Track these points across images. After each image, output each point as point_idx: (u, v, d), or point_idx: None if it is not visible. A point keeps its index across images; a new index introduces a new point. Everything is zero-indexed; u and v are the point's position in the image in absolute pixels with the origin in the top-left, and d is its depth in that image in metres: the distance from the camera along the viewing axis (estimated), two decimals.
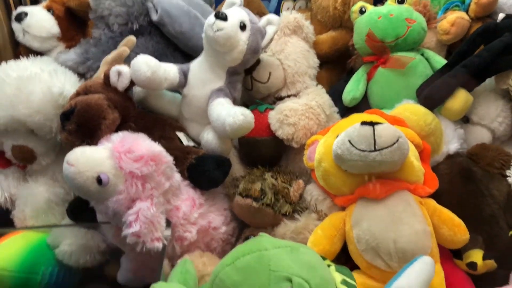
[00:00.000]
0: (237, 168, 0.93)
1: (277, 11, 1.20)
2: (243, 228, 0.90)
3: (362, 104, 1.00)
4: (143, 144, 0.75)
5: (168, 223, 0.78)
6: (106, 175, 0.71)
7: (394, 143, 0.70)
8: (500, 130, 0.94)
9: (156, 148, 0.76)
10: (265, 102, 1.00)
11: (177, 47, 1.04)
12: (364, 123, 0.72)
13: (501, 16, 0.94)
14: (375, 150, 0.70)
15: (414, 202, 0.74)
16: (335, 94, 1.03)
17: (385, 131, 0.71)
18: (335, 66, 1.12)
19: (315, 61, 1.03)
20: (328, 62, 1.10)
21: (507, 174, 0.79)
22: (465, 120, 0.97)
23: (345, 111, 1.00)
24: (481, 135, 0.95)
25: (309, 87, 1.00)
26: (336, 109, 1.01)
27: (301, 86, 0.99)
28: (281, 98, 1.00)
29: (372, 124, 0.72)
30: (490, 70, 0.92)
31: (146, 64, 0.84)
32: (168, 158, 0.77)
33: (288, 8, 1.21)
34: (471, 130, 0.96)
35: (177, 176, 0.80)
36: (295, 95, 0.99)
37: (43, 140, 0.92)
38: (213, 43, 0.85)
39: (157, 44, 1.03)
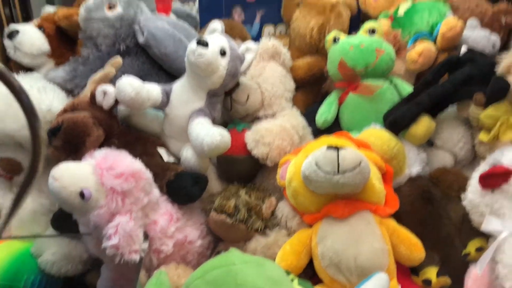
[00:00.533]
0: (214, 185, 0.99)
1: (259, 35, 1.26)
2: (218, 242, 0.95)
3: (334, 126, 1.07)
4: (124, 161, 0.80)
5: (146, 236, 0.83)
6: (88, 190, 0.76)
7: (356, 167, 0.76)
8: (461, 155, 1.01)
9: (136, 165, 0.81)
10: (243, 121, 1.06)
11: (162, 67, 1.09)
12: (330, 147, 0.78)
13: (463, 49, 1.02)
14: (338, 173, 0.76)
15: (374, 222, 0.80)
16: (310, 116, 1.09)
17: (348, 155, 0.77)
18: (311, 89, 1.18)
19: (291, 85, 1.09)
20: (304, 85, 1.16)
21: (462, 197, 0.85)
22: (429, 144, 1.04)
23: (318, 132, 1.07)
24: (444, 159, 1.02)
25: (285, 109, 1.06)
26: (310, 130, 1.07)
27: (277, 108, 1.05)
28: (258, 119, 1.06)
29: (337, 148, 0.78)
30: (452, 99, 1.00)
31: (130, 85, 0.90)
32: (148, 175, 0.83)
33: (269, 33, 1.27)
34: (435, 153, 1.03)
35: (156, 192, 0.86)
36: (271, 116, 1.05)
37: None
38: (194, 67, 0.91)
39: (142, 64, 1.08)
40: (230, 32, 1.14)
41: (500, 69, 0.93)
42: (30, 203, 0.96)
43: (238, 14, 1.25)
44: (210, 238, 0.94)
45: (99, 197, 0.77)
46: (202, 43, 0.89)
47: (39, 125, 0.50)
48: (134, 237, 0.77)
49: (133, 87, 0.90)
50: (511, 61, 0.92)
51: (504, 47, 1.12)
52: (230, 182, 0.97)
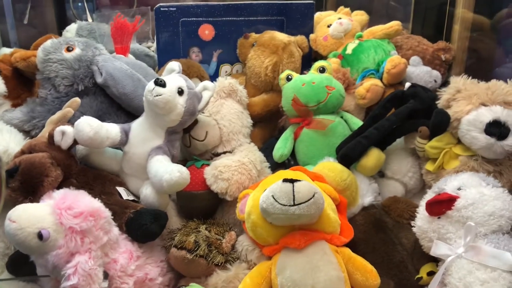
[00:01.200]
0: (174, 221, 1.00)
1: (216, 74, 1.31)
2: (179, 279, 0.95)
3: (291, 160, 1.11)
4: (83, 201, 0.81)
5: (106, 275, 0.83)
6: (47, 230, 0.76)
7: (311, 198, 0.80)
8: (411, 184, 1.07)
9: (95, 204, 0.82)
10: (202, 158, 1.08)
11: (121, 106, 1.10)
12: (285, 180, 0.82)
13: (407, 85, 1.09)
14: (294, 204, 0.79)
15: (330, 251, 0.83)
16: (267, 150, 1.13)
17: (303, 187, 0.80)
18: (268, 124, 1.23)
19: (249, 121, 1.13)
20: (261, 121, 1.20)
21: (412, 224, 0.89)
22: (381, 174, 1.09)
23: (275, 166, 1.10)
24: (394, 188, 1.08)
25: (243, 144, 1.09)
26: (267, 164, 1.10)
27: (235, 143, 1.09)
28: (217, 155, 1.08)
29: (292, 181, 0.81)
30: (400, 132, 1.06)
31: (89, 125, 0.91)
32: (107, 214, 0.83)
33: (226, 72, 1.31)
34: (386, 183, 1.08)
35: (115, 230, 0.86)
36: (230, 152, 1.08)
37: None
38: (152, 106, 0.94)
39: (101, 104, 1.09)
40: (188, 71, 1.18)
41: (441, 102, 1.01)
42: None
43: (195, 54, 1.29)
44: (171, 275, 0.95)
45: (57, 237, 0.77)
46: (160, 83, 0.92)
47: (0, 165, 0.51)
48: (94, 276, 0.77)
49: (92, 126, 0.91)
50: (450, 95, 0.99)
51: (445, 82, 1.21)
52: (190, 218, 0.98)
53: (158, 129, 0.98)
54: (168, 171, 0.88)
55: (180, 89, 0.95)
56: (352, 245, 0.92)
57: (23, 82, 1.16)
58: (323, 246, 0.84)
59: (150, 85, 0.93)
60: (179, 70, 1.02)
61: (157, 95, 0.92)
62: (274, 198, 0.81)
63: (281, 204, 0.80)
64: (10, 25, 1.65)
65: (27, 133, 1.06)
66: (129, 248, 0.89)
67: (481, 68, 1.30)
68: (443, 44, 1.27)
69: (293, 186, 0.80)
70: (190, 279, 0.92)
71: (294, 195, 0.79)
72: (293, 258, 0.83)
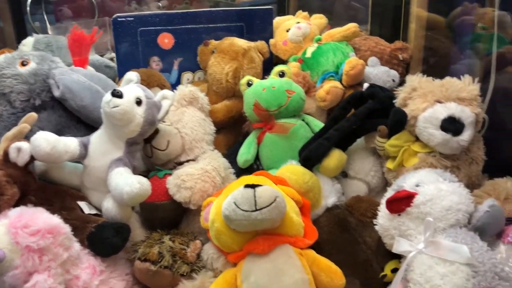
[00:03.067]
0: (138, 233, 0.98)
1: (178, 82, 1.30)
2: None
3: (254, 165, 1.11)
4: (40, 218, 0.79)
5: None
6: (2, 251, 0.74)
7: (272, 203, 0.80)
8: (373, 182, 1.09)
9: (53, 220, 0.80)
10: (166, 167, 1.07)
11: (80, 119, 1.09)
12: (246, 186, 0.81)
13: (365, 85, 1.10)
14: (256, 210, 0.79)
15: (294, 254, 0.83)
16: (232, 156, 1.13)
17: (264, 192, 0.80)
18: (231, 130, 1.23)
19: (211, 128, 1.13)
20: (224, 127, 1.20)
21: (375, 222, 0.90)
22: (344, 175, 1.10)
23: (240, 172, 1.10)
24: (358, 188, 1.09)
25: (206, 152, 1.08)
26: (232, 170, 1.10)
27: (198, 151, 1.08)
28: (181, 163, 1.08)
29: (253, 186, 0.81)
30: (359, 132, 1.07)
31: (46, 140, 0.89)
32: (66, 230, 0.82)
33: (188, 79, 1.31)
34: (350, 183, 1.09)
35: (76, 246, 0.84)
36: (193, 160, 1.07)
37: None
38: (110, 118, 0.93)
39: (59, 118, 1.07)
40: (148, 80, 1.17)
41: (398, 101, 1.02)
42: None
43: (155, 63, 1.28)
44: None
45: (14, 257, 0.75)
46: (117, 94, 0.91)
47: None
48: None
49: (48, 141, 0.89)
50: (406, 94, 1.01)
51: (404, 81, 1.23)
52: (155, 229, 0.97)
53: (117, 140, 0.96)
54: (128, 183, 0.87)
55: (138, 99, 0.94)
56: (317, 247, 0.93)
57: None
58: (287, 249, 0.84)
59: (107, 96, 0.92)
60: (137, 80, 1.01)
61: (114, 107, 0.91)
62: (236, 205, 0.80)
63: (243, 210, 0.80)
64: None
65: None
66: (92, 263, 0.87)
67: (438, 65, 1.33)
68: (400, 43, 1.29)
69: (254, 191, 0.80)
70: None
71: (255, 200, 0.79)
72: (258, 263, 0.82)
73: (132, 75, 1.01)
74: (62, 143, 0.92)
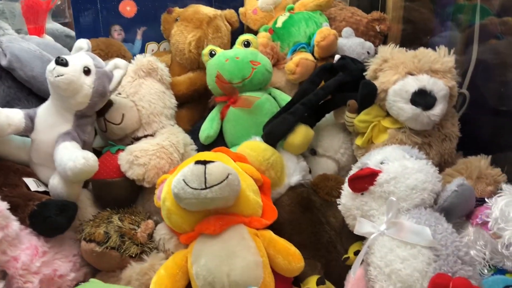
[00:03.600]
0: (90, 212, 0.92)
1: (142, 53, 1.22)
2: (95, 273, 0.88)
3: (219, 141, 1.04)
4: None
5: (4, 275, 0.75)
6: None
7: (223, 180, 0.74)
8: (343, 160, 1.03)
9: None
10: (123, 143, 1.01)
11: (32, 91, 1.01)
12: (197, 162, 0.75)
13: (337, 57, 1.04)
14: (206, 188, 0.73)
15: (248, 234, 0.78)
16: (195, 132, 1.06)
17: (215, 169, 0.74)
18: (196, 105, 1.16)
19: (172, 102, 1.06)
20: (188, 102, 1.13)
21: (338, 202, 0.85)
22: (313, 152, 1.04)
23: (203, 148, 1.04)
24: (327, 166, 1.03)
25: (165, 126, 1.02)
26: (194, 147, 1.04)
27: (157, 126, 1.01)
28: (138, 139, 1.01)
29: (204, 163, 0.75)
30: (328, 107, 1.01)
31: None
32: (1, 208, 0.75)
33: (152, 50, 1.23)
34: (318, 161, 1.04)
35: (15, 225, 0.78)
36: (151, 135, 1.01)
37: None
38: (55, 88, 0.86)
39: (8, 89, 1.00)
40: (107, 50, 1.10)
41: (368, 73, 0.96)
42: None
43: (117, 32, 1.20)
44: (86, 269, 0.87)
45: None
46: (61, 62, 0.84)
47: None
48: None
49: None
50: (377, 65, 0.95)
51: None
52: (108, 208, 0.91)
53: (66, 113, 0.90)
54: (72, 158, 0.80)
55: (86, 68, 0.88)
56: (278, 227, 0.88)
57: None
58: (241, 230, 0.78)
59: (51, 64, 0.85)
60: (87, 47, 0.93)
61: (58, 75, 0.84)
62: (185, 182, 0.74)
63: (192, 188, 0.74)
64: None
65: None
66: (34, 244, 0.81)
67: (417, 38, 1.26)
68: (377, 14, 1.22)
69: (205, 168, 0.74)
70: (106, 273, 0.85)
71: (205, 178, 0.73)
72: (209, 245, 0.77)
73: (82, 43, 0.93)
74: (3, 115, 0.86)
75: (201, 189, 0.73)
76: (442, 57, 0.91)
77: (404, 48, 0.97)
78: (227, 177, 0.74)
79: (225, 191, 0.74)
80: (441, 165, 0.92)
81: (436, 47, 0.93)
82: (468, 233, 0.77)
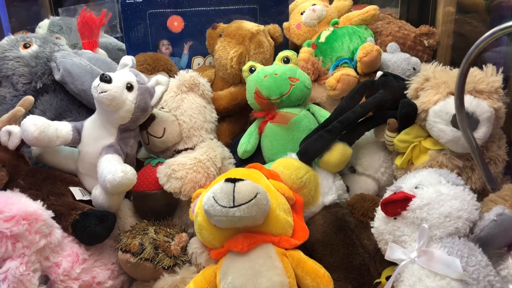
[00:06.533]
0: (129, 222, 0.96)
1: (188, 67, 1.26)
2: (132, 281, 0.92)
3: (258, 156, 1.05)
4: (16, 204, 0.78)
5: (46, 280, 0.80)
6: None
7: (252, 199, 0.74)
8: (383, 180, 1.00)
9: (30, 207, 0.79)
10: (164, 156, 1.04)
11: (82, 103, 1.07)
12: (227, 180, 0.76)
13: (378, 74, 1.01)
14: (234, 206, 0.74)
15: (276, 254, 0.78)
16: (235, 146, 1.08)
17: (244, 187, 0.75)
18: (238, 118, 1.17)
19: (213, 116, 1.08)
20: (230, 115, 1.15)
21: (371, 225, 0.82)
22: (352, 170, 1.02)
23: (241, 163, 1.05)
24: (366, 185, 1.01)
25: (205, 140, 1.04)
26: (233, 160, 1.05)
27: (197, 140, 1.04)
28: (179, 152, 1.04)
29: (234, 181, 0.76)
30: (368, 125, 0.99)
31: (33, 124, 0.88)
32: (45, 216, 0.80)
33: (199, 64, 1.26)
34: (357, 180, 1.02)
35: (58, 233, 0.83)
36: (192, 149, 1.03)
37: None
38: (99, 103, 0.90)
39: (61, 101, 1.06)
40: (154, 64, 1.15)
41: (409, 92, 0.93)
42: None
43: (165, 47, 1.24)
44: (123, 277, 0.91)
45: None
46: (105, 79, 0.88)
47: None
48: (26, 282, 0.75)
49: (36, 126, 0.88)
50: (418, 84, 0.92)
51: None
52: (146, 219, 0.95)
53: (110, 126, 0.94)
54: (111, 171, 0.84)
55: (129, 85, 0.91)
56: (310, 247, 0.87)
57: None
58: (268, 249, 0.78)
59: (96, 81, 0.90)
60: (132, 64, 0.98)
61: (102, 92, 0.88)
62: (214, 199, 0.76)
63: (221, 206, 0.75)
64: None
65: None
66: (75, 251, 0.86)
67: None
68: (425, 28, 1.18)
69: (234, 186, 0.75)
70: (141, 282, 0.89)
71: (234, 196, 0.74)
72: (237, 262, 0.78)
73: (127, 59, 0.98)
74: (52, 128, 0.91)
75: (230, 207, 0.74)
76: (489, 77, 0.86)
77: (454, 65, 0.93)
78: (255, 196, 0.75)
79: (253, 210, 0.75)
80: (485, 190, 0.87)
81: (484, 66, 0.89)
82: (508, 265, 0.72)
